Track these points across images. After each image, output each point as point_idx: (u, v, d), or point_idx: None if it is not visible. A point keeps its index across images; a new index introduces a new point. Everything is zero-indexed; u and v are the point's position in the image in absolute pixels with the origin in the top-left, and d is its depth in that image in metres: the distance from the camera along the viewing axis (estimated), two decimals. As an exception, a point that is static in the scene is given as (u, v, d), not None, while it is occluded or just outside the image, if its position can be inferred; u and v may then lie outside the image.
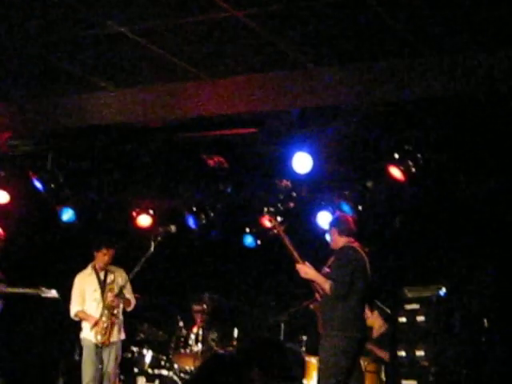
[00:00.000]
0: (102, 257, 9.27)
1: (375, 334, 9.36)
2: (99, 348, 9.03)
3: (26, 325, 11.46)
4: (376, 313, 9.52)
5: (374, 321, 9.45)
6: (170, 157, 9.70)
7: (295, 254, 7.92)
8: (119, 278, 9.22)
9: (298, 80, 7.49)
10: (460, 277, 9.79)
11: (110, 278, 9.16)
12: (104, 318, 8.96)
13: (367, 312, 8.84)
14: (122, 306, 9.08)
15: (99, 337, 8.98)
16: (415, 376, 8.68)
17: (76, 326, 9.51)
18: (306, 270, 7.82)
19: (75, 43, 7.20)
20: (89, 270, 9.45)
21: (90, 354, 9.11)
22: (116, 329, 9.04)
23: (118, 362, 9.23)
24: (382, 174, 8.95)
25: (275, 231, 8.26)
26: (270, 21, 6.48)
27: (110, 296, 8.97)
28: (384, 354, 9.06)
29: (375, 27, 6.46)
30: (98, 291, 9.25)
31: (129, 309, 9.35)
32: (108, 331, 8.97)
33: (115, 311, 8.94)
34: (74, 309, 9.28)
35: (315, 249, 8.70)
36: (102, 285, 9.25)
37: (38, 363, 11.41)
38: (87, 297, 9.29)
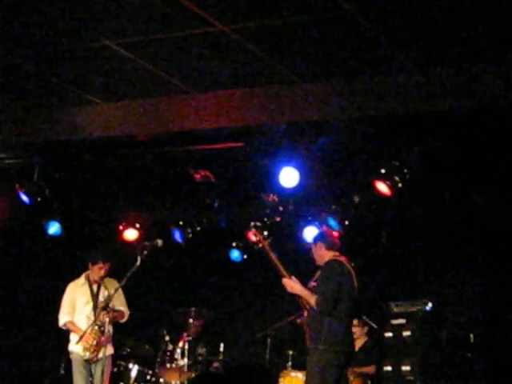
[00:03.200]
0: (98, 270, 9.10)
1: (356, 347, 9.35)
2: (88, 362, 8.95)
3: (10, 339, 11.41)
4: (365, 328, 9.53)
5: (359, 335, 9.46)
6: (156, 171, 9.69)
7: (281, 269, 7.91)
8: (112, 291, 9.06)
9: (285, 95, 7.50)
10: (446, 292, 9.82)
11: (104, 294, 8.98)
12: (93, 335, 8.85)
13: (355, 327, 8.85)
14: (108, 320, 8.91)
15: (87, 354, 8.85)
16: (401, 391, 8.70)
17: (62, 340, 9.45)
18: (292, 285, 7.81)
19: (63, 57, 7.19)
20: (82, 280, 9.26)
21: (79, 366, 8.99)
22: (105, 344, 8.92)
23: (108, 376, 9.12)
24: (368, 189, 8.96)
25: (260, 246, 8.25)
26: (257, 36, 6.49)
27: (102, 314, 8.81)
28: (369, 369, 9.05)
29: (362, 43, 6.48)
30: (90, 305, 9.09)
31: (122, 320, 9.22)
32: (97, 348, 8.85)
33: (105, 329, 8.79)
34: (64, 318, 9.10)
35: (301, 263, 8.69)
36: (95, 299, 9.09)
37: (23, 378, 11.35)
38: (78, 308, 9.18)
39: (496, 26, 6.00)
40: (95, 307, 8.99)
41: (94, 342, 8.80)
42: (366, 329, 9.57)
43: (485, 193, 9.09)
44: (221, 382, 9.95)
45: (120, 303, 9.15)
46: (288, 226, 10.28)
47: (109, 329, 8.73)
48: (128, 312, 9.27)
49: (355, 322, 9.21)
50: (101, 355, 8.76)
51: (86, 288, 9.20)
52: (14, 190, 9.77)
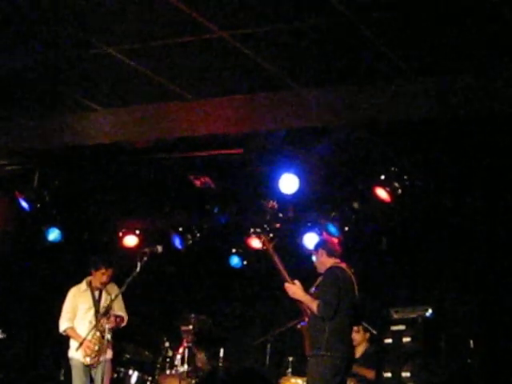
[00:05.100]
0: (100, 276, 9.10)
1: (357, 354, 9.32)
2: (88, 367, 8.94)
3: (10, 345, 11.40)
4: (367, 334, 9.50)
5: (361, 341, 9.44)
6: (156, 177, 9.69)
7: (284, 273, 7.90)
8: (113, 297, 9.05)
9: (285, 101, 7.51)
10: (446, 298, 9.81)
11: (106, 299, 8.98)
12: (95, 341, 8.83)
13: (354, 332, 8.82)
14: (108, 326, 8.89)
15: (88, 359, 8.86)
16: (401, 397, 8.67)
17: (62, 346, 9.44)
18: (294, 290, 7.79)
19: (63, 63, 7.20)
20: (84, 286, 9.26)
21: (79, 373, 8.98)
22: (105, 349, 8.93)
23: (108, 382, 9.10)
24: (368, 195, 8.97)
25: (264, 248, 8.24)
26: (257, 42, 6.51)
27: (104, 321, 8.78)
28: (369, 373, 9.03)
29: (361, 50, 6.50)
30: (92, 310, 9.08)
31: (122, 325, 9.23)
32: (98, 354, 8.84)
33: (106, 335, 8.77)
34: (64, 325, 9.11)
35: (301, 270, 8.68)
36: (97, 305, 9.10)
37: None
38: (79, 314, 9.17)
39: (495, 34, 6.02)
40: (97, 313, 8.99)
41: (96, 348, 8.79)
42: (367, 335, 9.54)
43: (485, 199, 9.08)
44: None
45: (119, 308, 9.15)
46: (288, 233, 10.26)
47: (109, 334, 8.73)
48: (127, 317, 9.27)
49: (356, 328, 9.19)
50: (101, 359, 8.76)
51: (88, 294, 9.20)
52: (14, 197, 9.78)
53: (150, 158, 9.06)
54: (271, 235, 8.34)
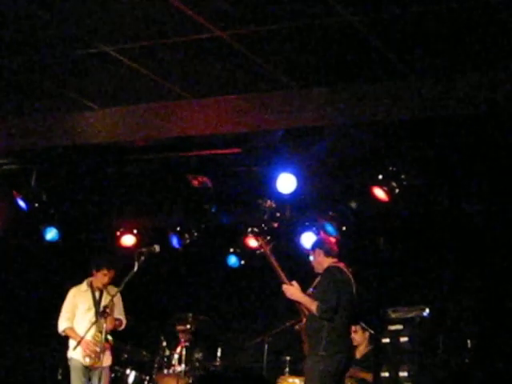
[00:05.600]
0: (102, 277, 9.12)
1: (358, 354, 9.35)
2: (87, 369, 8.92)
3: (8, 345, 11.40)
4: (366, 333, 9.51)
5: (361, 341, 9.45)
6: (154, 176, 9.69)
7: (281, 274, 7.91)
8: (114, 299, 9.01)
9: (282, 100, 7.51)
10: (444, 298, 9.82)
11: (106, 301, 8.94)
12: (95, 342, 8.79)
13: (353, 333, 8.83)
14: (106, 326, 8.84)
15: (88, 359, 8.84)
16: (398, 397, 8.68)
17: (60, 345, 9.44)
18: (291, 291, 7.80)
19: (60, 62, 7.19)
20: (84, 287, 9.26)
21: (78, 373, 8.95)
22: (107, 353, 8.93)
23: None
24: (366, 195, 8.97)
25: (261, 250, 8.24)
26: (255, 41, 6.50)
27: (106, 321, 8.75)
28: (367, 376, 9.04)
29: (360, 49, 6.49)
30: (92, 311, 9.07)
31: (120, 328, 9.24)
32: (99, 355, 8.81)
33: (106, 335, 8.73)
34: (63, 324, 9.09)
35: (299, 269, 8.69)
36: (97, 306, 9.09)
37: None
38: (78, 314, 9.16)
39: (494, 34, 6.02)
40: (97, 313, 8.97)
41: (97, 349, 8.75)
42: (367, 334, 9.55)
43: (483, 198, 9.09)
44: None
45: (119, 312, 9.15)
46: (285, 232, 10.27)
47: (109, 336, 8.73)
48: (125, 321, 9.28)
49: (354, 328, 9.20)
50: (103, 363, 8.73)
51: (89, 294, 9.21)
52: (11, 196, 9.77)
53: (148, 157, 9.06)
54: (268, 237, 8.36)
